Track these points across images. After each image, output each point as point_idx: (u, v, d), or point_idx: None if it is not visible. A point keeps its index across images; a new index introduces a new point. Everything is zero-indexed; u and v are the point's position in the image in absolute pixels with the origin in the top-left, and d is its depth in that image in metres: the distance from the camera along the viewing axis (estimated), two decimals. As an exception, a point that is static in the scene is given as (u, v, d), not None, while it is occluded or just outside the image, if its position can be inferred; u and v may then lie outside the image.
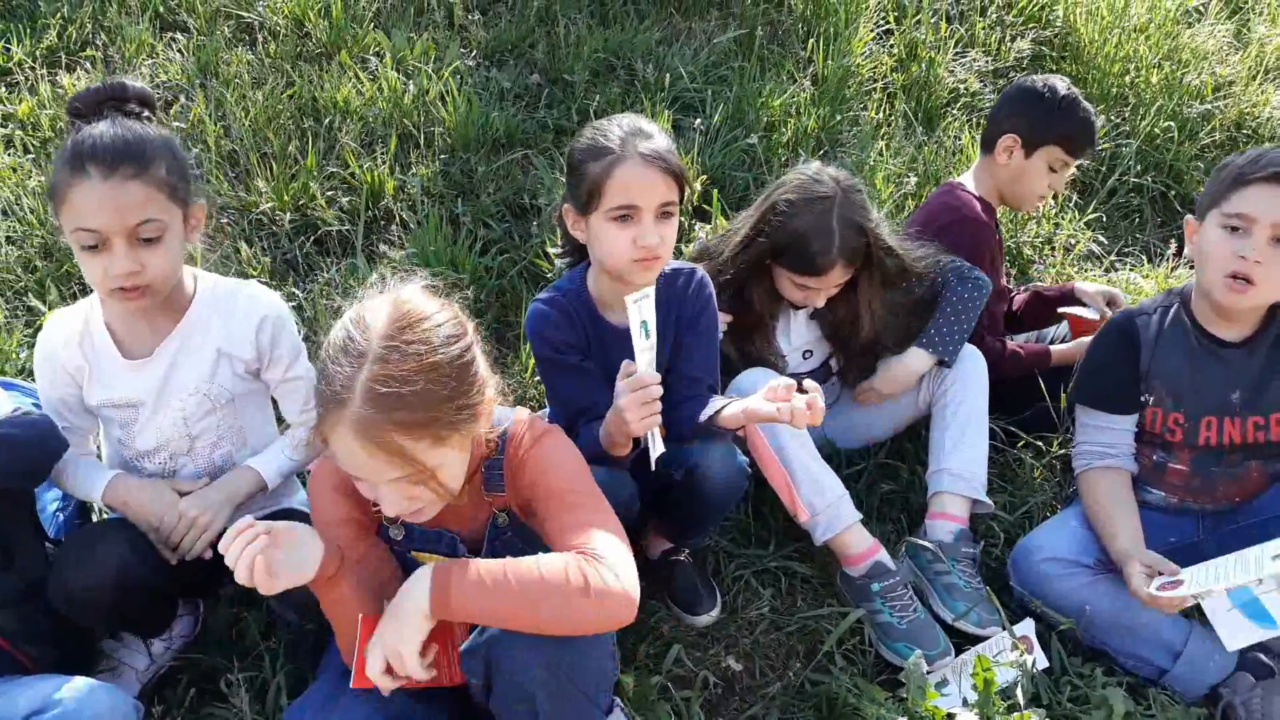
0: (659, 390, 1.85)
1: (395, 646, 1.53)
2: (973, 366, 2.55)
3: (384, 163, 3.33)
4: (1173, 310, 2.37)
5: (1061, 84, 2.84)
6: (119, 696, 1.75)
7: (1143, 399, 2.37)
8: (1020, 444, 2.81)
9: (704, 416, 2.05)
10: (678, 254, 2.72)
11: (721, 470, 2.09)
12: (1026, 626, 2.26)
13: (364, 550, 1.77)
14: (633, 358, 1.89)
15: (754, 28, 4.07)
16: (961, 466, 2.44)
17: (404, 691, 1.72)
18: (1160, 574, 2.11)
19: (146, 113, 1.94)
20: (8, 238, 2.99)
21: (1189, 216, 2.32)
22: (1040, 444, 2.82)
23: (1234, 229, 2.17)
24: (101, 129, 1.83)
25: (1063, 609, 2.25)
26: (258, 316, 2.06)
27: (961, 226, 2.72)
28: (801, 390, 1.84)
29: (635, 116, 2.12)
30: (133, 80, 1.95)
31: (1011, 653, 2.17)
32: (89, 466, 2.08)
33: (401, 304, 1.57)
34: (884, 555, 2.32)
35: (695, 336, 2.25)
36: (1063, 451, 2.75)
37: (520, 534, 1.83)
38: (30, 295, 2.88)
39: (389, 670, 1.56)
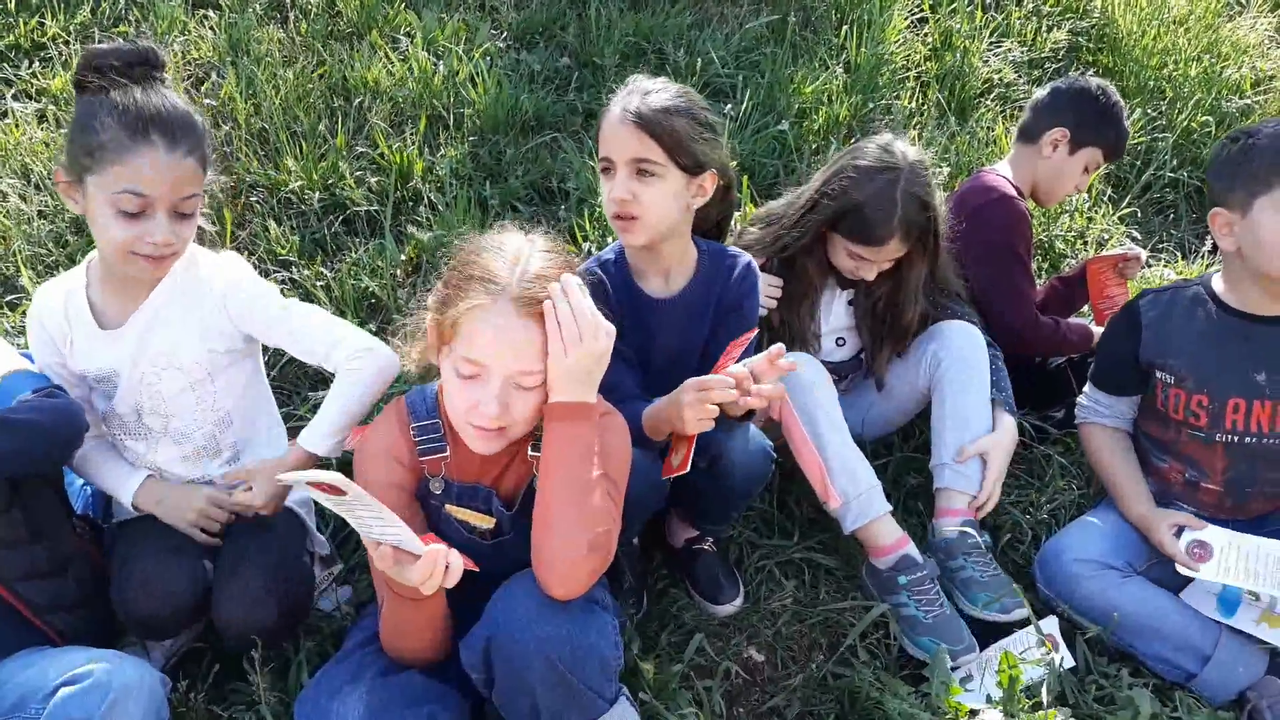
0: (729, 397, 1.83)
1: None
2: (964, 342, 2.49)
3: (413, 143, 3.32)
4: (1190, 291, 2.34)
5: (1110, 88, 2.87)
6: (147, 669, 1.75)
7: (1159, 377, 2.33)
8: (1049, 440, 2.79)
9: None
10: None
11: (745, 456, 2.08)
12: (1051, 624, 2.24)
13: (405, 516, 1.78)
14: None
15: (786, 14, 4.04)
16: (958, 445, 2.41)
17: (419, 672, 1.76)
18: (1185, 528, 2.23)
19: (166, 82, 1.96)
20: (40, 212, 3.00)
21: (1216, 209, 2.25)
22: (1069, 441, 2.79)
23: None
24: (158, 100, 1.87)
25: (1090, 611, 2.23)
26: (220, 288, 2.05)
27: (998, 206, 2.71)
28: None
29: (653, 78, 2.13)
30: (156, 45, 1.96)
31: (1038, 650, 2.15)
32: (116, 464, 2.11)
33: (540, 234, 1.76)
34: (912, 549, 2.30)
35: (735, 323, 2.24)
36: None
37: None
38: (61, 269, 2.88)
39: None
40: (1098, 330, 2.86)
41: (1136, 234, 3.68)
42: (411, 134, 3.35)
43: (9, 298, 2.81)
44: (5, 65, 3.35)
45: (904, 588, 2.26)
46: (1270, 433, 2.23)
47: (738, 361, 1.88)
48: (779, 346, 1.83)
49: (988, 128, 3.87)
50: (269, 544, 2.02)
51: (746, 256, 2.28)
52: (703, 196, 2.15)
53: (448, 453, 1.82)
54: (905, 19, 4.14)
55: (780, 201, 2.62)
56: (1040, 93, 2.95)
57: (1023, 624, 2.23)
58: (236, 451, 2.17)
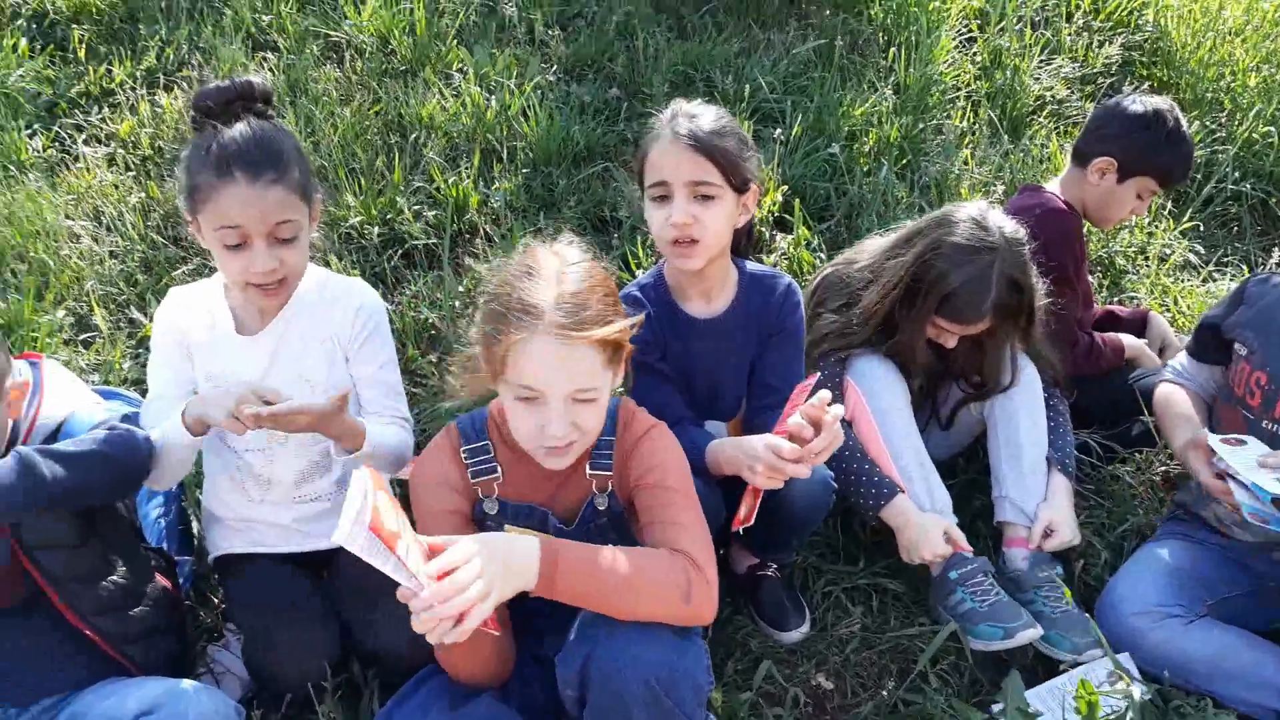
0: (804, 473, 1.82)
1: (478, 601, 1.46)
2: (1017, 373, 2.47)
3: (468, 177, 3.36)
4: None
5: (1169, 112, 2.72)
6: (222, 700, 1.78)
7: (1236, 348, 2.30)
8: (1118, 459, 2.73)
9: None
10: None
11: (805, 487, 2.05)
12: (1124, 658, 2.17)
13: None
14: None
15: (833, 38, 4.04)
16: (1021, 494, 2.39)
17: (488, 698, 1.77)
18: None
19: (270, 110, 2.01)
20: (111, 253, 3.08)
21: None
22: (1139, 460, 2.74)
23: None
24: (240, 132, 1.90)
25: (1159, 662, 2.14)
26: (358, 301, 2.14)
27: (1051, 219, 2.64)
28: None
29: (696, 102, 2.14)
30: (256, 78, 2.00)
31: (1113, 680, 2.10)
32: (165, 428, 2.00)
33: (567, 246, 1.77)
34: (965, 549, 2.30)
35: (779, 345, 2.25)
36: (1163, 468, 2.67)
37: (615, 521, 1.87)
38: (132, 308, 2.96)
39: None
40: (1131, 342, 2.84)
41: (1200, 248, 3.61)
42: (466, 168, 3.40)
43: (83, 336, 2.88)
44: (76, 111, 3.46)
45: (955, 581, 2.24)
46: None
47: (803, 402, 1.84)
48: (825, 394, 1.80)
49: (1041, 145, 3.83)
50: None
51: (787, 278, 2.28)
52: (746, 214, 2.17)
53: (499, 474, 1.84)
54: (953, 39, 4.12)
55: (849, 265, 2.55)
56: (1096, 111, 2.90)
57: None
58: (346, 470, 2.18)
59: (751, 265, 2.32)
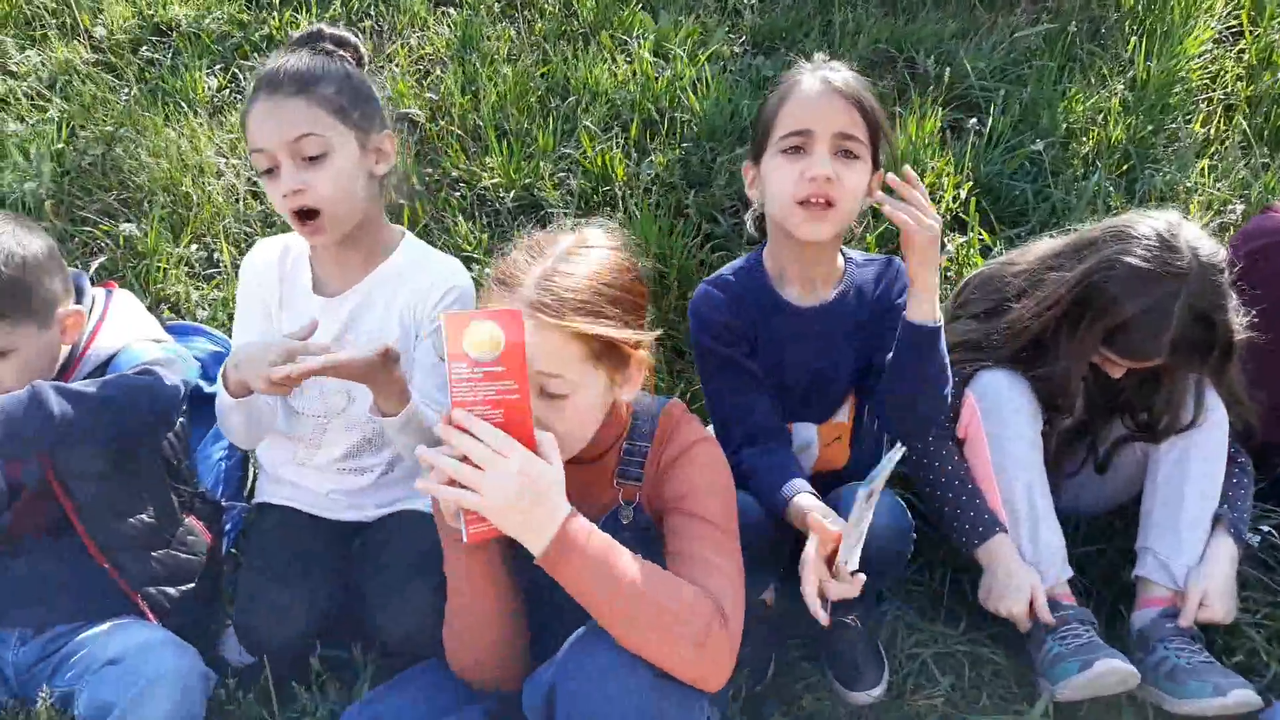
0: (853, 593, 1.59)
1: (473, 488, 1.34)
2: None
3: (620, 146, 3.17)
4: None
5: None
6: (189, 660, 1.71)
7: None
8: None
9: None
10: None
11: (878, 533, 1.71)
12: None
13: None
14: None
15: (1067, 24, 3.53)
16: (1170, 549, 1.98)
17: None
18: None
19: (342, 52, 1.95)
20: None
21: None
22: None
23: None
24: (277, 62, 1.87)
25: None
26: (452, 282, 1.99)
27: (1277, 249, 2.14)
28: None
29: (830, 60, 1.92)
30: (332, 27, 1.98)
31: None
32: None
33: (584, 230, 1.58)
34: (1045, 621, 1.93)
35: (893, 323, 1.92)
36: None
37: (639, 537, 1.63)
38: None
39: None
40: None
41: None
42: (622, 137, 3.20)
43: (208, 271, 2.92)
44: (255, 55, 3.54)
45: (1046, 630, 1.90)
46: None
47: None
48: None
49: (1310, 162, 3.17)
50: (434, 559, 1.76)
51: (896, 260, 1.98)
52: (868, 199, 1.86)
53: None
54: (1214, 31, 3.50)
55: (1007, 265, 2.18)
56: None
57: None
58: (396, 451, 2.05)
59: (858, 253, 2.06)
